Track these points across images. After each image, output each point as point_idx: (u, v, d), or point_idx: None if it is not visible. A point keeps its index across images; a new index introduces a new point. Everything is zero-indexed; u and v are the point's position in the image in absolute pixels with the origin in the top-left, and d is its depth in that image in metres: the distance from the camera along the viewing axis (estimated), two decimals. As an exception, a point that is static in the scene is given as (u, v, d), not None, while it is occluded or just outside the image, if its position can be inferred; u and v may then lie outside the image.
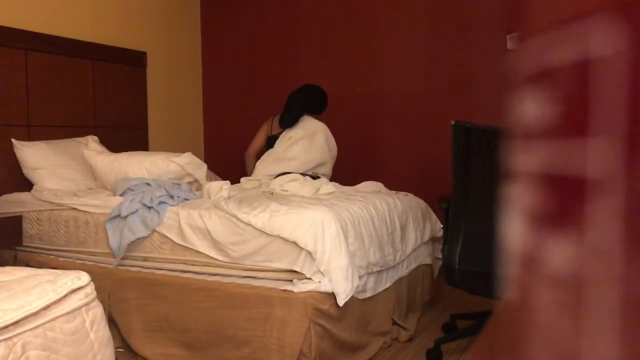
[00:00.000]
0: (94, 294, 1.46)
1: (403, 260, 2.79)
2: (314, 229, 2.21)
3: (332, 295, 2.17)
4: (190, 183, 2.88)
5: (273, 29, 4.40)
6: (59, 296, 1.34)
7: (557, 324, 0.18)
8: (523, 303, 0.21)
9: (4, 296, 1.27)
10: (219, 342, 2.26)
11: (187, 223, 2.41)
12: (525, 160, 0.20)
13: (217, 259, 2.35)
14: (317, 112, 3.51)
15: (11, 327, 1.21)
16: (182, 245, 2.42)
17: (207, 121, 4.70)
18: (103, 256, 2.61)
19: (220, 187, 2.65)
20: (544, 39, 0.19)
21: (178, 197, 2.60)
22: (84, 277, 1.44)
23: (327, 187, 2.98)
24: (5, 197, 2.93)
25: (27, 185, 3.02)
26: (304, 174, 3.15)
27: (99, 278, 1.95)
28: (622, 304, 0.16)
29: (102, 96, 3.66)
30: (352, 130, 4.04)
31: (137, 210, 2.50)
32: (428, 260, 3.10)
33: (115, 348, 1.72)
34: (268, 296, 2.20)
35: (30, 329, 1.25)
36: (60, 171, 3.06)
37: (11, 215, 2.76)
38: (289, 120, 3.40)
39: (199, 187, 2.87)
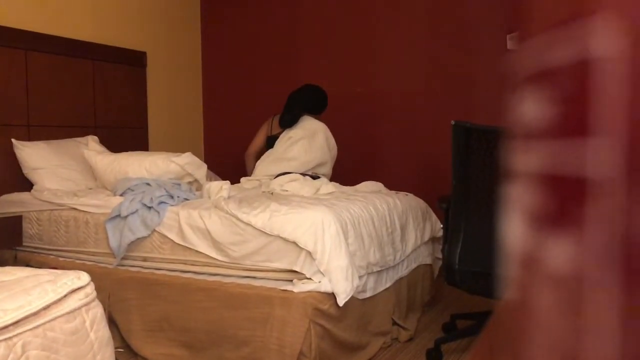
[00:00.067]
0: (94, 294, 1.46)
1: (403, 260, 2.79)
2: (314, 229, 2.21)
3: (332, 295, 2.17)
4: (190, 183, 2.88)
5: (273, 29, 4.40)
6: (59, 296, 1.34)
7: (557, 324, 0.18)
8: (523, 303, 0.21)
9: (4, 296, 1.27)
10: (219, 342, 2.26)
11: (187, 223, 2.41)
12: (525, 160, 0.20)
13: (217, 259, 2.35)
14: (317, 112, 3.51)
15: (11, 327, 1.21)
16: (182, 245, 2.42)
17: (207, 121, 4.70)
18: (103, 256, 2.61)
19: (220, 187, 2.65)
20: (544, 39, 0.19)
21: (178, 197, 2.60)
22: (84, 277, 1.44)
23: (327, 187, 2.98)
24: (5, 197, 2.93)
25: (27, 185, 3.02)
26: (304, 174, 3.15)
27: (99, 278, 1.95)
28: (622, 304, 0.16)
29: (102, 96, 3.66)
30: (352, 130, 4.04)
31: (137, 210, 2.50)
32: (428, 260, 3.10)
33: (115, 348, 1.72)
34: (268, 296, 2.20)
35: (30, 329, 1.25)
36: (60, 171, 3.06)
37: (11, 215, 2.76)
38: (289, 120, 3.40)
39: (199, 187, 2.87)
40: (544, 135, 0.19)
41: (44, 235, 2.79)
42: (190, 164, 2.88)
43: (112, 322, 2.39)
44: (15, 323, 1.22)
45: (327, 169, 3.43)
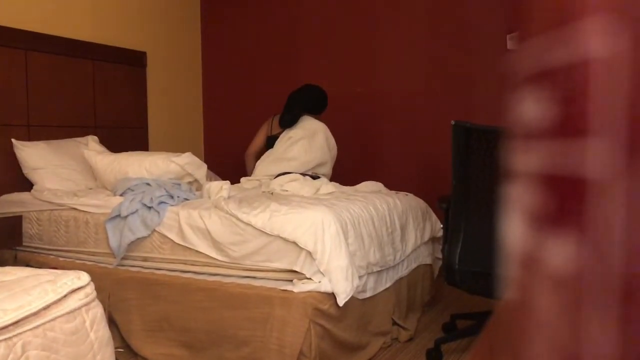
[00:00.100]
0: (94, 294, 1.46)
1: (403, 260, 2.79)
2: (314, 229, 2.21)
3: (332, 295, 2.17)
4: (190, 183, 2.88)
5: (273, 29, 4.40)
6: (59, 296, 1.34)
7: (557, 324, 0.18)
8: (523, 303, 0.21)
9: (4, 296, 1.27)
10: (219, 342, 2.26)
11: (187, 223, 2.41)
12: (525, 160, 0.20)
13: (217, 259, 2.35)
14: (317, 112, 3.51)
15: (11, 327, 1.21)
16: (182, 245, 2.42)
17: (207, 121, 4.70)
18: (103, 256, 2.61)
19: (220, 187, 2.65)
20: (544, 39, 0.19)
21: (178, 197, 2.60)
22: (84, 277, 1.44)
23: (327, 187, 2.98)
24: (5, 197, 2.93)
25: (27, 185, 3.02)
26: (304, 174, 3.15)
27: (99, 278, 1.95)
28: (622, 304, 0.16)
29: (102, 96, 3.66)
30: (352, 130, 4.04)
31: (137, 210, 2.50)
32: (428, 260, 3.10)
33: (115, 348, 1.72)
34: (268, 296, 2.20)
35: (30, 329, 1.25)
36: (60, 171, 3.06)
37: (11, 215, 2.76)
38: (288, 120, 3.40)
39: (199, 187, 2.87)
40: (544, 135, 0.19)
41: (44, 235, 2.79)
42: (190, 164, 2.88)
43: (112, 322, 2.39)
44: (15, 323, 1.22)
45: (327, 169, 3.43)
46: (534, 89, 0.19)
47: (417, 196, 3.14)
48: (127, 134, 3.85)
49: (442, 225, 3.03)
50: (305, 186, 2.94)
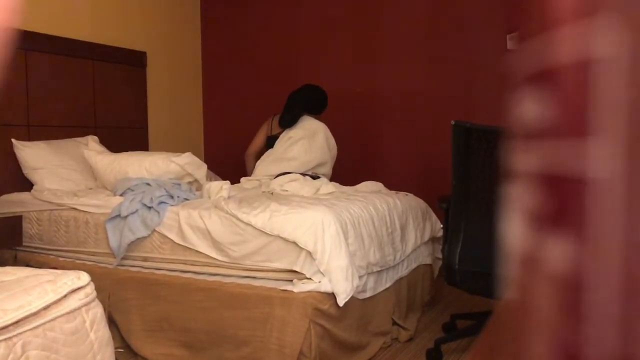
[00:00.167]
0: (94, 294, 1.46)
1: (403, 260, 2.79)
2: (314, 229, 2.21)
3: (332, 295, 2.17)
4: (190, 183, 2.88)
5: (273, 29, 4.40)
6: (59, 296, 1.34)
7: (557, 324, 0.18)
8: (523, 303, 0.21)
9: (4, 296, 1.27)
10: (219, 342, 2.26)
11: (187, 223, 2.41)
12: (525, 160, 0.20)
13: (217, 259, 2.35)
14: (317, 112, 3.51)
15: (11, 327, 1.21)
16: (182, 245, 2.42)
17: (207, 121, 4.70)
18: (103, 256, 2.61)
19: (220, 187, 2.65)
20: (544, 39, 0.19)
21: (178, 197, 2.60)
22: (84, 277, 1.44)
23: (327, 187, 2.98)
24: (5, 197, 2.93)
25: (27, 185, 3.02)
26: (304, 174, 3.15)
27: (99, 278, 1.95)
28: (622, 304, 0.16)
29: (102, 96, 3.66)
30: (352, 130, 4.04)
31: (137, 210, 2.50)
32: (428, 260, 3.10)
33: (115, 348, 1.72)
34: (268, 296, 2.20)
35: (30, 329, 1.25)
36: (60, 171, 3.06)
37: (11, 215, 2.76)
38: (288, 120, 3.41)
39: (199, 187, 2.87)
40: (543, 135, 0.19)
41: (44, 235, 2.79)
42: (190, 164, 2.88)
43: (112, 322, 2.39)
44: (15, 323, 1.22)
45: (327, 169, 3.43)
46: (534, 89, 0.19)
47: (417, 196, 3.14)
48: (127, 134, 3.85)
49: (442, 225, 3.03)
50: (305, 186, 2.94)
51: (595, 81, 0.17)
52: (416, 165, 3.93)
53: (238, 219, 2.32)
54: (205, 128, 4.71)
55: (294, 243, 2.21)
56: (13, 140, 3.06)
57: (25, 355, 1.22)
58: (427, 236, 3.06)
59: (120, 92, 3.81)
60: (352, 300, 2.24)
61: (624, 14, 0.16)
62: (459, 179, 2.25)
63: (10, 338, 1.20)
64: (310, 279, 2.20)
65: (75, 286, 1.39)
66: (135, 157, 2.94)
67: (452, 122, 2.23)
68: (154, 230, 2.47)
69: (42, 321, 1.28)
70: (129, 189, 2.69)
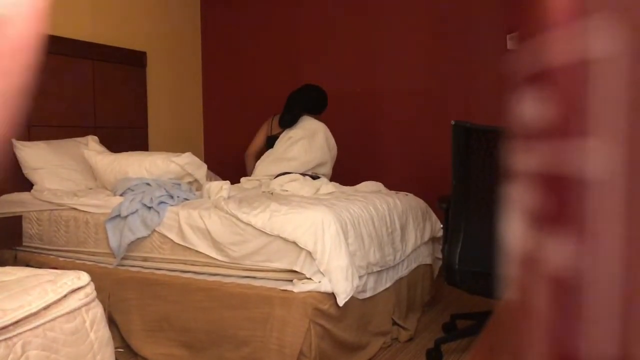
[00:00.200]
0: (94, 294, 1.46)
1: (403, 260, 2.79)
2: (314, 229, 2.21)
3: (332, 295, 2.17)
4: (190, 183, 2.88)
5: (273, 29, 4.40)
6: (59, 296, 1.34)
7: (557, 324, 0.18)
8: (523, 303, 0.21)
9: (4, 296, 1.27)
10: (219, 342, 2.26)
11: (187, 223, 2.41)
12: (525, 160, 0.20)
13: (217, 259, 2.35)
14: (317, 112, 3.51)
15: (11, 327, 1.21)
16: (182, 245, 2.42)
17: (207, 121, 4.70)
18: (103, 256, 2.61)
19: (220, 187, 2.65)
20: (544, 39, 0.19)
21: (178, 197, 2.60)
22: (84, 277, 1.44)
23: (327, 187, 2.98)
24: (5, 197, 2.93)
25: (27, 185, 3.02)
26: (304, 174, 3.15)
27: (99, 278, 1.95)
28: (622, 304, 0.16)
29: (102, 96, 3.66)
30: (352, 130, 4.04)
31: (137, 210, 2.50)
32: (428, 260, 3.10)
33: (115, 348, 1.72)
34: (268, 296, 2.20)
35: (30, 329, 1.25)
36: (60, 171, 3.06)
37: (11, 215, 2.76)
38: (288, 120, 3.41)
39: (199, 187, 2.87)
40: (543, 135, 0.19)
41: (44, 235, 2.79)
42: (190, 164, 2.88)
43: (112, 322, 2.39)
44: (15, 323, 1.22)
45: (327, 169, 3.43)
46: (534, 89, 0.19)
47: (417, 196, 3.14)
48: (127, 134, 3.85)
49: (442, 225, 3.03)
50: (305, 186, 2.94)
51: (595, 81, 0.17)
52: (416, 165, 3.93)
53: (238, 219, 2.32)
54: (205, 128, 4.71)
55: (294, 243, 2.21)
56: (13, 140, 3.06)
57: (25, 355, 1.22)
58: (427, 236, 3.06)
59: (120, 92, 3.81)
60: (352, 300, 2.24)
61: (623, 13, 0.16)
62: (459, 179, 2.25)
63: (10, 338, 1.20)
64: (310, 279, 2.20)
65: (75, 286, 1.39)
66: (135, 157, 2.94)
67: (452, 122, 2.23)
68: (154, 230, 2.47)
69: (42, 321, 1.28)
70: (129, 189, 2.69)
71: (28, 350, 1.22)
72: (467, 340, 2.56)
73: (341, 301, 2.16)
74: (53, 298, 1.32)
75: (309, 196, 2.79)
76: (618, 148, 0.16)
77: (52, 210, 2.78)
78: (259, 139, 3.62)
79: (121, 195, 2.69)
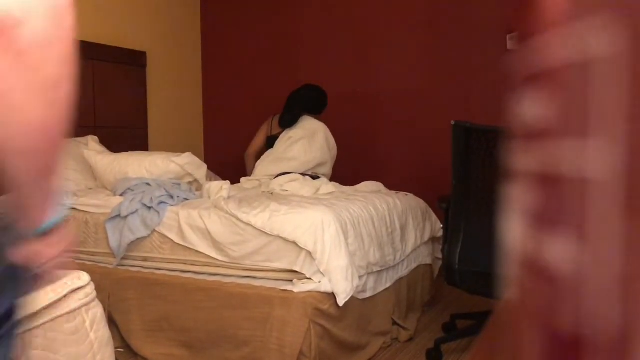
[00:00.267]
0: (94, 294, 1.46)
1: (403, 260, 2.79)
2: (313, 229, 2.21)
3: (332, 295, 2.17)
4: (190, 183, 2.88)
5: (273, 29, 4.40)
6: (59, 296, 1.34)
7: (557, 325, 0.18)
8: (523, 303, 0.21)
9: (4, 296, 1.27)
10: (219, 342, 2.26)
11: (187, 223, 2.41)
12: (525, 160, 0.20)
13: (217, 259, 2.35)
14: (317, 112, 3.51)
15: (11, 327, 1.21)
16: (182, 245, 2.42)
17: (207, 121, 4.70)
18: (103, 256, 2.61)
19: (220, 187, 2.65)
20: (544, 39, 0.19)
21: (178, 197, 2.60)
22: (84, 277, 1.44)
23: (327, 187, 2.98)
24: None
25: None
26: (304, 174, 3.15)
27: (99, 278, 1.95)
28: (622, 304, 0.16)
29: (102, 96, 3.66)
30: (352, 130, 4.04)
31: (137, 210, 2.50)
32: (428, 260, 3.10)
33: (115, 348, 1.72)
34: (268, 296, 2.20)
35: (30, 329, 1.25)
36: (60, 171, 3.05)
37: (11, 215, 2.75)
38: (288, 120, 3.41)
39: (199, 187, 2.87)
40: (543, 135, 0.19)
41: (44, 235, 2.79)
42: (190, 164, 2.88)
43: (112, 322, 2.39)
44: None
45: (327, 169, 3.43)
46: (534, 89, 0.19)
47: (417, 196, 3.14)
48: (127, 134, 3.85)
49: (442, 225, 3.03)
50: (305, 186, 2.94)
51: (595, 81, 0.17)
52: (416, 165, 3.93)
53: (238, 219, 2.32)
54: (205, 128, 4.71)
55: (294, 243, 2.21)
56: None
57: (25, 356, 1.21)
58: (427, 236, 3.06)
59: (120, 92, 3.81)
60: (352, 300, 2.24)
61: (623, 13, 0.16)
62: (459, 179, 2.25)
63: (10, 338, 1.20)
64: (310, 279, 2.20)
65: (75, 286, 1.39)
66: (135, 157, 2.94)
67: (452, 122, 2.23)
68: (154, 230, 2.47)
69: (42, 321, 1.28)
70: (128, 189, 2.69)
71: (28, 350, 1.22)
72: (467, 340, 2.56)
73: (341, 301, 2.16)
74: (53, 298, 1.32)
75: (309, 196, 2.79)
76: (618, 148, 0.16)
77: (52, 210, 2.77)
78: (259, 139, 3.62)
79: (121, 195, 2.69)
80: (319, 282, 2.17)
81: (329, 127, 3.46)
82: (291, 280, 2.23)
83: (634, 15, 0.16)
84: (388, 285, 2.62)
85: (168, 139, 4.24)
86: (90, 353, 1.38)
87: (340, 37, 4.17)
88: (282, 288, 2.20)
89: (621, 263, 0.16)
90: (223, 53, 4.59)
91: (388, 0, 4.01)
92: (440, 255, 3.05)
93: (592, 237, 0.17)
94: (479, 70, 3.68)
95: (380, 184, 3.18)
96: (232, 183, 2.97)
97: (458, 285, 2.32)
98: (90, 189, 3.05)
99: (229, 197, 2.59)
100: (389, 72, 4.02)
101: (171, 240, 2.44)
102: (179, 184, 2.75)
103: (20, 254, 0.61)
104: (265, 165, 3.36)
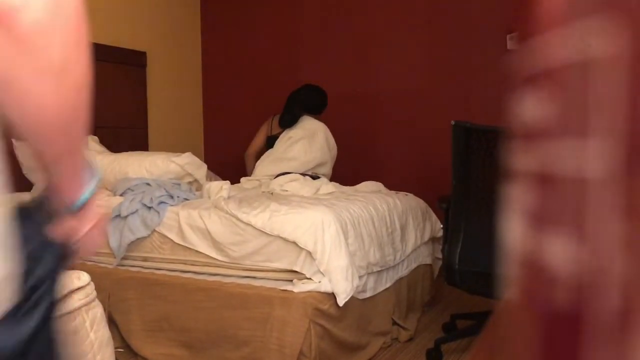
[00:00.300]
0: (94, 294, 1.46)
1: (403, 260, 2.79)
2: (313, 229, 2.21)
3: (332, 295, 2.17)
4: (190, 183, 2.88)
5: (273, 29, 4.40)
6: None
7: (557, 324, 0.18)
8: (523, 303, 0.21)
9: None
10: (219, 342, 2.26)
11: (187, 223, 2.41)
12: (525, 160, 0.20)
13: (217, 259, 2.35)
14: (316, 112, 3.51)
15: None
16: (182, 245, 2.42)
17: (207, 121, 4.70)
18: (103, 256, 2.61)
19: (220, 187, 2.65)
20: (544, 39, 0.19)
21: (178, 197, 2.60)
22: (84, 277, 1.44)
23: (327, 187, 2.98)
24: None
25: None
26: (304, 174, 3.15)
27: (99, 278, 1.94)
28: (622, 304, 0.16)
29: (102, 96, 3.65)
30: (352, 130, 4.04)
31: (137, 210, 2.50)
32: (428, 260, 3.10)
33: (115, 348, 1.72)
34: (268, 296, 2.20)
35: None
36: (60, 171, 3.05)
37: (11, 215, 2.75)
38: (288, 120, 3.41)
39: (199, 187, 2.87)
40: (543, 135, 0.19)
41: (44, 235, 2.79)
42: (190, 164, 2.88)
43: (112, 322, 2.39)
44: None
45: (327, 169, 3.43)
46: (534, 89, 0.19)
47: (417, 196, 3.14)
48: (127, 134, 3.85)
49: (442, 225, 3.03)
50: (305, 186, 2.94)
51: (595, 81, 0.17)
52: (416, 165, 3.93)
53: (238, 219, 2.32)
54: (205, 128, 4.71)
55: (294, 243, 2.21)
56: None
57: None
58: (427, 236, 3.06)
59: (120, 92, 3.81)
60: (352, 300, 2.24)
61: (623, 13, 0.16)
62: (459, 179, 2.25)
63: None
64: (310, 279, 2.20)
65: (75, 286, 1.39)
66: (135, 157, 2.94)
67: (452, 122, 2.23)
68: (154, 230, 2.47)
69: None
70: (128, 189, 2.69)
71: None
72: (467, 340, 2.56)
73: (341, 301, 2.16)
74: (53, 298, 1.32)
75: (309, 196, 2.79)
76: (618, 148, 0.16)
77: (52, 210, 2.77)
78: (259, 139, 3.62)
79: (121, 195, 2.69)
80: (319, 282, 2.17)
81: (329, 127, 3.45)
82: (291, 280, 2.23)
83: (634, 15, 0.16)
84: (388, 285, 2.62)
85: (168, 139, 4.24)
86: (90, 353, 1.38)
87: (340, 37, 4.16)
88: (282, 288, 2.20)
89: (621, 262, 0.16)
90: (223, 53, 4.59)
91: (388, 0, 4.01)
92: (440, 255, 3.05)
93: (592, 237, 0.17)
94: (479, 70, 3.67)
95: (380, 184, 3.18)
96: (232, 183, 2.97)
97: (458, 285, 2.32)
98: (90, 189, 3.05)
99: (229, 197, 2.59)
100: (389, 72, 4.02)
101: (171, 240, 2.44)
102: (179, 184, 2.75)
103: (57, 230, 0.64)
104: (265, 165, 3.36)
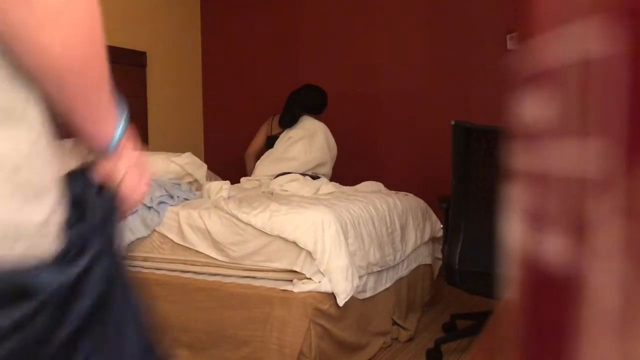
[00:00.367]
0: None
1: (403, 260, 2.79)
2: (313, 229, 2.21)
3: (332, 295, 2.17)
4: (190, 183, 2.88)
5: (273, 29, 4.40)
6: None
7: (557, 324, 0.18)
8: (523, 303, 0.21)
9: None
10: (219, 342, 2.26)
11: (187, 223, 2.41)
12: (525, 160, 0.20)
13: (217, 259, 2.35)
14: (316, 112, 3.51)
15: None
16: (182, 245, 2.42)
17: (207, 121, 4.70)
18: (103, 256, 2.61)
19: (220, 187, 2.65)
20: (544, 39, 0.19)
21: (178, 197, 2.60)
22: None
23: (327, 187, 2.98)
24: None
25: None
26: (304, 174, 3.15)
27: (99, 278, 1.94)
28: (622, 304, 0.16)
29: (102, 96, 3.65)
30: (352, 130, 4.04)
31: (137, 210, 2.50)
32: (428, 260, 3.10)
33: (115, 348, 1.72)
34: (268, 296, 2.20)
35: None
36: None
37: (11, 215, 2.75)
38: (288, 120, 3.41)
39: (199, 187, 2.87)
40: (543, 135, 0.19)
41: (44, 235, 2.79)
42: (190, 164, 2.88)
43: (112, 322, 2.39)
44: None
45: (327, 169, 3.44)
46: (534, 89, 0.19)
47: (417, 196, 3.14)
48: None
49: (442, 225, 3.03)
50: (305, 186, 2.94)
51: (595, 81, 0.17)
52: (416, 165, 3.93)
53: (238, 219, 2.32)
54: (205, 128, 4.71)
55: (294, 243, 2.21)
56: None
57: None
58: (427, 236, 3.06)
59: (120, 92, 3.80)
60: (352, 300, 2.24)
61: (622, 13, 0.16)
62: (459, 179, 2.25)
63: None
64: (310, 279, 2.20)
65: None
66: (135, 157, 2.94)
67: (452, 122, 2.23)
68: (154, 230, 2.47)
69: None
70: (129, 189, 2.69)
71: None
72: (467, 340, 2.56)
73: (341, 301, 2.16)
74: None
75: (309, 196, 2.79)
76: (617, 148, 0.16)
77: (52, 210, 2.77)
78: (259, 139, 3.62)
79: (121, 195, 2.69)
80: (319, 282, 2.17)
81: (329, 127, 3.46)
82: (291, 280, 2.23)
83: (633, 15, 0.16)
84: (388, 285, 2.62)
85: (168, 139, 4.24)
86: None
87: (340, 37, 4.16)
88: (282, 288, 2.20)
89: (621, 263, 0.16)
90: (223, 53, 4.59)
91: (388, 0, 4.01)
92: (440, 255, 3.05)
93: (591, 237, 0.17)
94: (479, 70, 3.67)
95: (380, 184, 3.18)
96: (232, 183, 2.97)
97: (458, 285, 2.32)
98: (90, 189, 3.05)
99: (229, 197, 2.59)
100: (388, 72, 4.02)
101: (171, 240, 2.45)
102: (179, 184, 2.75)
103: (99, 173, 0.64)
104: (265, 165, 3.36)
